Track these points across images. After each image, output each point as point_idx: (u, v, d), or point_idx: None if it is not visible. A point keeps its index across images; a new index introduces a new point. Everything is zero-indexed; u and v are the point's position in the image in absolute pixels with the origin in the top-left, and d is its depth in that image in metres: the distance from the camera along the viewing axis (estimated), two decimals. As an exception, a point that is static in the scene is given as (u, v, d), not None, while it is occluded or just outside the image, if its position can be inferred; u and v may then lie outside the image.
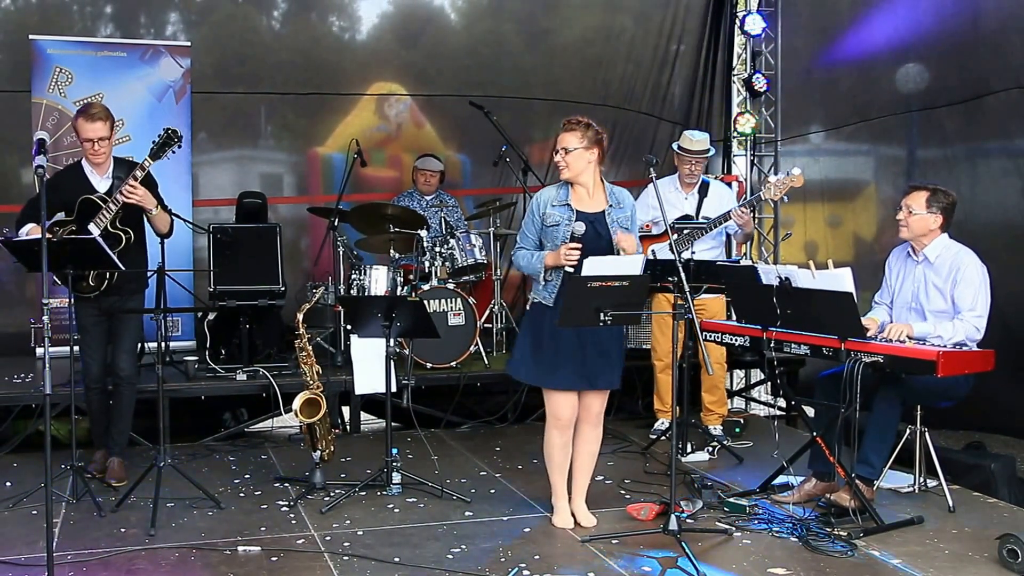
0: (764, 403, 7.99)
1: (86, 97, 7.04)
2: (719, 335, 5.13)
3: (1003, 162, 6.21)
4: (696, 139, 6.28)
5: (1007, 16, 6.07)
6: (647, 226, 6.19)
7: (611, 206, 4.50)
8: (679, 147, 6.30)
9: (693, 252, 6.06)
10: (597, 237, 4.43)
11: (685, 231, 6.11)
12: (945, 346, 4.54)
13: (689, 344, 5.77)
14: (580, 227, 4.39)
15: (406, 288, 6.65)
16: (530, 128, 8.43)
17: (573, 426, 4.59)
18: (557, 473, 4.66)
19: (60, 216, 5.05)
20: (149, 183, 5.12)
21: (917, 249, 4.93)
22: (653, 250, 5.85)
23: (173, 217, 5.36)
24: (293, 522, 4.70)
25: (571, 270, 4.33)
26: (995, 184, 6.25)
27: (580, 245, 4.33)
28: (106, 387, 5.29)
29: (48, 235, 4.18)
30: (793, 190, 6.00)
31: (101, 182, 5.13)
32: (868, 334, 4.74)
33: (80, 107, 5.24)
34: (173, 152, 5.10)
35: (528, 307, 4.61)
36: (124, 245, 5.06)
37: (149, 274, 5.38)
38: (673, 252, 4.36)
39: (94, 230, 4.93)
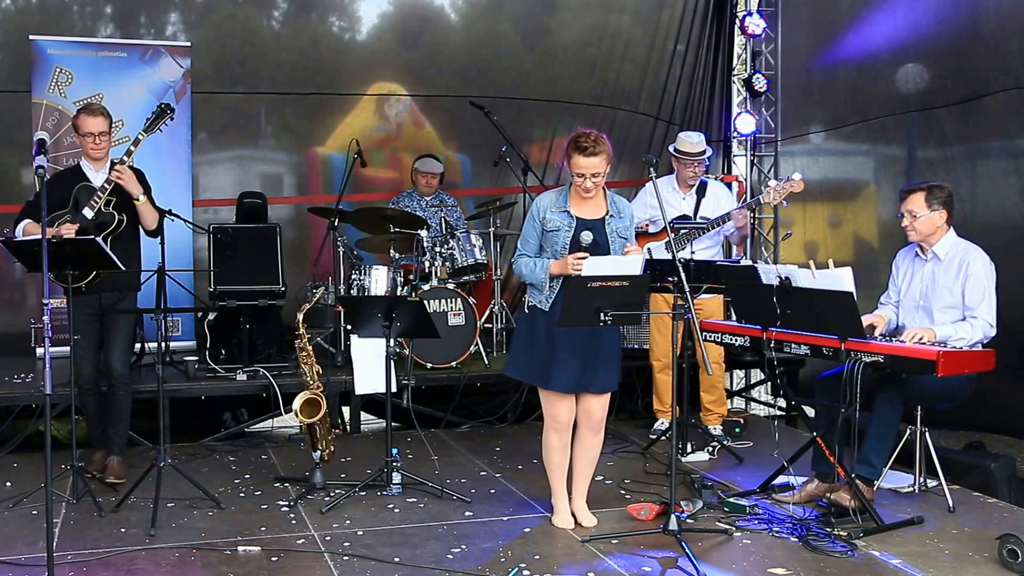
0: (764, 403, 8.00)
1: (86, 97, 7.05)
2: (719, 335, 5.13)
3: (1002, 162, 6.22)
4: (694, 141, 6.22)
5: (1006, 16, 6.07)
6: (645, 225, 6.19)
7: (611, 215, 4.47)
8: (677, 150, 6.23)
9: (694, 252, 6.05)
10: (594, 245, 4.38)
11: (683, 231, 6.10)
12: (957, 347, 4.53)
13: (688, 344, 5.77)
14: (588, 236, 4.34)
15: (406, 288, 6.65)
16: (529, 128, 8.43)
17: (571, 428, 4.59)
18: (556, 475, 4.66)
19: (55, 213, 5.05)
20: (140, 180, 5.16)
21: (926, 248, 4.92)
22: (649, 248, 5.83)
23: (163, 215, 5.37)
24: (293, 522, 4.70)
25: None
26: (994, 184, 6.25)
27: (587, 255, 4.30)
28: (99, 389, 5.27)
29: (49, 236, 4.17)
30: (793, 192, 5.98)
31: (97, 177, 5.15)
32: (877, 331, 4.75)
33: (80, 106, 5.28)
34: (166, 124, 5.17)
35: (525, 309, 4.57)
36: (116, 227, 5.06)
37: (150, 274, 5.38)
38: (671, 252, 4.36)
39: (88, 213, 4.95)
